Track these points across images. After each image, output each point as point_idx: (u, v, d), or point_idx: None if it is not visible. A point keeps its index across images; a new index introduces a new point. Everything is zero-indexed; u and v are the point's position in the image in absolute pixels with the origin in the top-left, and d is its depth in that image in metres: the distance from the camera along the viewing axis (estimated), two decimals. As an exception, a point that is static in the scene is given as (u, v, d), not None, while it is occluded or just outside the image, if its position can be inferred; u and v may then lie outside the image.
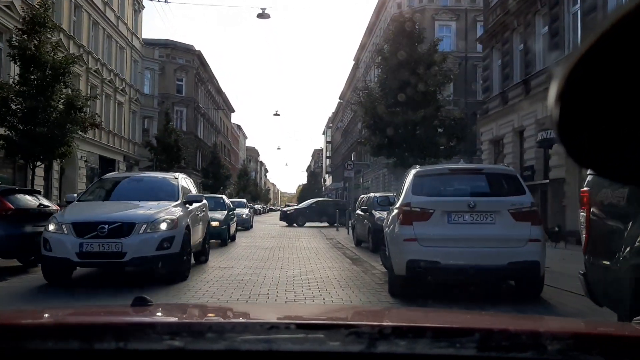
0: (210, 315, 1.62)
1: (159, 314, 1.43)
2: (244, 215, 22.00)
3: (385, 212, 12.85)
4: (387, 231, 6.64)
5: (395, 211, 6.25)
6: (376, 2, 47.55)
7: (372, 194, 14.33)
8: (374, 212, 12.67)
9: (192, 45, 52.10)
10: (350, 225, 18.39)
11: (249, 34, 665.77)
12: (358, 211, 14.55)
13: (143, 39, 36.35)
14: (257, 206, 76.13)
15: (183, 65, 50.54)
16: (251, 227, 23.86)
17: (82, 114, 12.63)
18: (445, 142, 14.47)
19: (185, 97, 50.27)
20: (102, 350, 0.89)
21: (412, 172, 6.34)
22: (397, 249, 5.98)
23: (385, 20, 41.91)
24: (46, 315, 1.42)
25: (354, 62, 59.73)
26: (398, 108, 13.46)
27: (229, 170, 47.33)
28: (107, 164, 29.03)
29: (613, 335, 1.08)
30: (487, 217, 5.68)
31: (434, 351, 0.87)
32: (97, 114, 16.91)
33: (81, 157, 25.13)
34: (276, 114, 48.14)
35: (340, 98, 76.24)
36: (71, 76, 12.39)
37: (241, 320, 1.35)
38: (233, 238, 15.03)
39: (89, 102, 13.37)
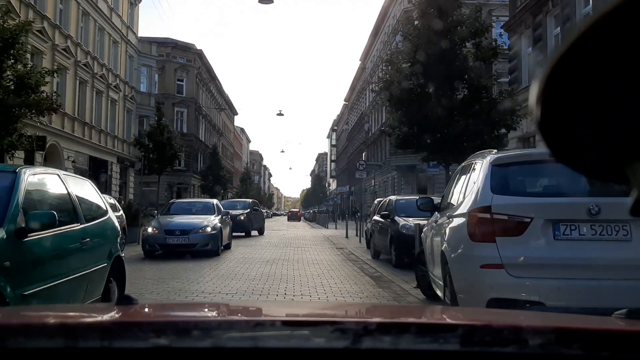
0: (196, 313, 1.54)
1: (144, 312, 1.41)
2: (208, 229, 11.94)
3: (411, 219, 10.75)
4: (444, 250, 4.46)
5: (461, 220, 4.08)
6: (382, 2, 45.50)
7: (392, 197, 12.16)
8: (397, 218, 10.51)
9: (193, 44, 50.24)
10: (364, 233, 16.19)
11: (251, 35, 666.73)
12: (376, 217, 12.38)
13: (141, 38, 34.36)
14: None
15: (184, 65, 48.61)
16: (226, 248, 13.66)
17: (38, 94, 10.37)
18: (491, 131, 11.88)
19: (186, 97, 48.31)
20: (87, 348, 0.88)
21: (488, 159, 4.10)
22: (468, 279, 3.83)
23: (394, 17, 39.90)
24: (30, 314, 1.45)
25: (360, 62, 57.70)
26: (431, 89, 11.03)
27: (229, 173, 45.24)
28: (98, 166, 26.92)
29: (593, 330, 1.08)
30: (619, 229, 3.53)
31: (418, 347, 0.87)
32: (56, 92, 13.94)
33: (68, 157, 23.10)
34: (280, 114, 46.08)
35: (345, 100, 74.34)
36: (25, 48, 10.20)
37: (227, 317, 1.32)
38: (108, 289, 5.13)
39: (45, 80, 11.05)
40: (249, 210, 21.18)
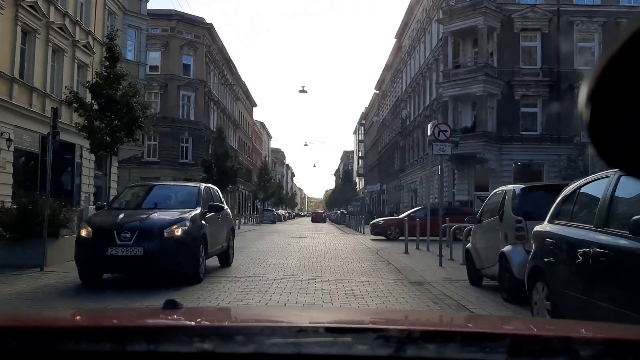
0: (239, 318, 1.57)
1: (190, 317, 1.42)
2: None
3: None
4: None
5: None
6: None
7: (605, 175, 4.55)
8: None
9: (202, 18, 43.35)
10: (465, 253, 8.53)
11: (274, 28, 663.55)
12: (552, 229, 4.81)
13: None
14: (281, 211, 66.35)
15: (191, 41, 41.84)
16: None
17: None
18: None
19: (194, 79, 41.50)
20: (133, 352, 0.88)
21: None
22: None
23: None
24: (80, 317, 1.50)
25: (395, 39, 50.04)
26: None
27: (239, 164, 37.84)
28: (62, 150, 19.64)
29: None
30: None
31: (463, 356, 0.85)
32: None
33: (1, 133, 16.10)
34: (302, 91, 38.67)
35: (376, 89, 66.84)
36: None
37: (270, 323, 1.28)
38: None
39: None
40: (199, 211, 8.55)
